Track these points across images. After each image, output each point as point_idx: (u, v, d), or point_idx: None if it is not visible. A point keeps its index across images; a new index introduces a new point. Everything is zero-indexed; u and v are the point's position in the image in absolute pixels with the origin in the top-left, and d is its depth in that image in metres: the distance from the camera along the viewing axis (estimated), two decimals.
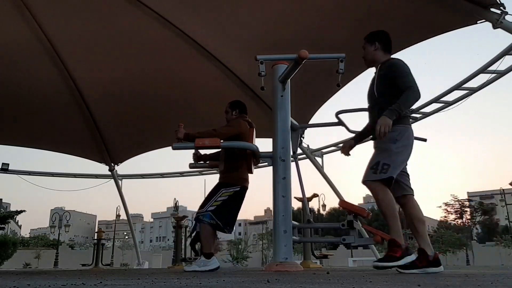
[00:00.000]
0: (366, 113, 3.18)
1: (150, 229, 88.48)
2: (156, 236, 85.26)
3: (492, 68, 5.80)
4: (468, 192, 47.17)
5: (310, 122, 7.73)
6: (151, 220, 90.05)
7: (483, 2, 4.58)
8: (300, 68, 3.32)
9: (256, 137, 4.09)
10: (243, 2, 5.94)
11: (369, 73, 3.19)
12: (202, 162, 4.26)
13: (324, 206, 25.33)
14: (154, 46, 7.11)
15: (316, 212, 28.85)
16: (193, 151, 4.05)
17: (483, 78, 6.11)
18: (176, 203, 17.09)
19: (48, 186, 16.66)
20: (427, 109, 7.20)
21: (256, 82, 4.12)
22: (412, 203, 2.86)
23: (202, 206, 3.78)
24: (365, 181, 2.84)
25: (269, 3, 5.83)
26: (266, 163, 3.98)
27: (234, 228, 4.06)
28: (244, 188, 3.86)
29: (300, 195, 5.87)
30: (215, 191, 3.79)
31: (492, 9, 4.57)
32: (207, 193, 3.95)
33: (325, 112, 7.50)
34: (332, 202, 58.63)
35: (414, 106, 7.03)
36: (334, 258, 18.19)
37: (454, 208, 27.27)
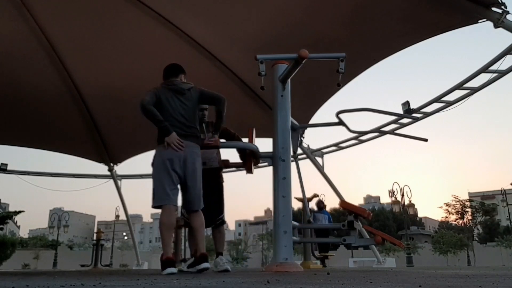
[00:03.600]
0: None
1: (150, 230, 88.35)
2: (155, 237, 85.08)
3: (493, 67, 5.79)
4: (469, 193, 47.18)
5: (310, 122, 7.71)
6: (151, 220, 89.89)
7: (484, 2, 4.56)
8: (300, 67, 3.30)
9: (256, 137, 4.07)
10: (243, 1, 5.92)
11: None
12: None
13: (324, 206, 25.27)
14: (154, 45, 7.09)
15: None
16: None
17: (484, 77, 6.11)
18: None
19: (47, 186, 16.72)
20: (428, 109, 7.18)
21: (256, 81, 4.10)
22: None
23: (218, 208, 3.79)
24: None
25: (269, 2, 5.81)
26: (266, 163, 3.96)
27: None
28: None
29: (300, 195, 5.88)
30: (221, 190, 3.81)
31: (494, 9, 4.57)
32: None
33: (325, 112, 7.49)
34: (333, 203, 58.67)
35: (415, 106, 7.07)
36: (334, 259, 18.12)
37: (455, 209, 27.20)
